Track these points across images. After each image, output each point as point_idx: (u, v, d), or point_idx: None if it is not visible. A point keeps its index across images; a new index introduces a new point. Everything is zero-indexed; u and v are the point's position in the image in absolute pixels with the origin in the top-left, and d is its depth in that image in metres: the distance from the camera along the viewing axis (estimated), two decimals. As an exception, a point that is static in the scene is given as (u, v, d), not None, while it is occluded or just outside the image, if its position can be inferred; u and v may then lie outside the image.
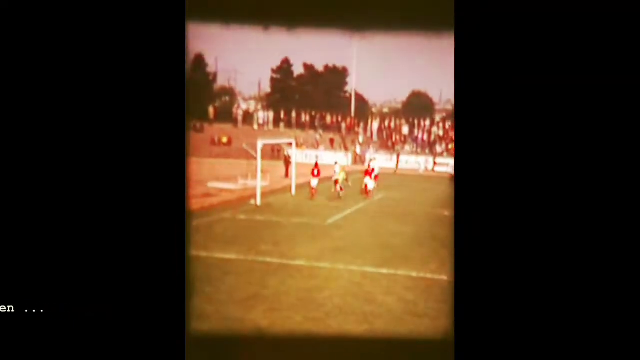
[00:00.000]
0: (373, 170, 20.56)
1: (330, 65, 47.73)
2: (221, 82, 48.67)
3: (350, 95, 44.34)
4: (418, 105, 47.18)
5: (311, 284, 8.91)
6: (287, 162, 24.72)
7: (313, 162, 20.27)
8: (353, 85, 45.16)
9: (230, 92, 50.68)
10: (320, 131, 38.25)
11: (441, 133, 37.44)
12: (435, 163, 33.85)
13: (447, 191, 20.23)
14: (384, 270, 9.88)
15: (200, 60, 43.54)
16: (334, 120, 39.78)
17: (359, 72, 52.55)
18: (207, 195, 18.23)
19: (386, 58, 61.17)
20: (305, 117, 39.67)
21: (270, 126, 38.67)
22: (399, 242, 12.57)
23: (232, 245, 11.52)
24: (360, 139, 37.65)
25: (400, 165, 33.49)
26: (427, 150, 36.01)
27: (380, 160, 28.32)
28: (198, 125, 35.68)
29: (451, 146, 34.02)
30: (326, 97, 45.03)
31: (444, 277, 9.41)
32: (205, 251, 10.68)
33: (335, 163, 20.59)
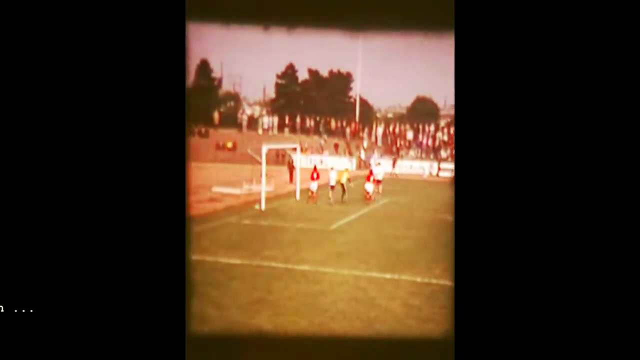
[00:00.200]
0: (372, 173, 20.61)
1: (335, 70, 47.98)
2: (226, 87, 49.00)
3: (355, 100, 44.38)
4: (422, 111, 47.19)
5: (315, 289, 8.91)
6: (291, 167, 24.73)
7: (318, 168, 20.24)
8: (357, 90, 45.35)
9: (235, 98, 50.91)
10: (325, 136, 38.27)
11: (446, 138, 37.39)
12: (439, 168, 33.82)
13: (451, 196, 20.14)
14: (389, 275, 9.87)
15: (205, 65, 43.80)
16: (339, 125, 39.78)
17: (364, 77, 52.62)
18: (212, 200, 18.27)
19: (391, 63, 61.27)
20: (309, 122, 39.67)
21: (275, 131, 38.72)
22: (403, 247, 12.55)
23: (236, 249, 11.52)
24: (365, 144, 37.66)
25: (405, 171, 33.47)
26: (431, 156, 36.00)
27: (385, 165, 28.30)
28: (203, 130, 35.81)
29: (455, 151, 33.92)
30: (330, 102, 45.14)
31: (449, 282, 9.38)
32: (210, 256, 10.70)
33: (331, 169, 20.33)
